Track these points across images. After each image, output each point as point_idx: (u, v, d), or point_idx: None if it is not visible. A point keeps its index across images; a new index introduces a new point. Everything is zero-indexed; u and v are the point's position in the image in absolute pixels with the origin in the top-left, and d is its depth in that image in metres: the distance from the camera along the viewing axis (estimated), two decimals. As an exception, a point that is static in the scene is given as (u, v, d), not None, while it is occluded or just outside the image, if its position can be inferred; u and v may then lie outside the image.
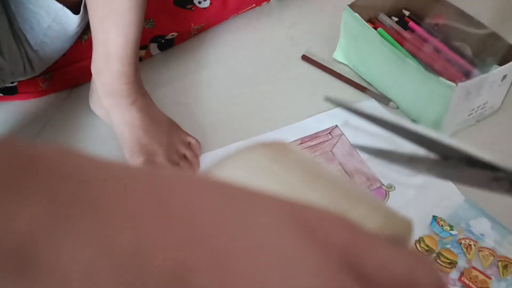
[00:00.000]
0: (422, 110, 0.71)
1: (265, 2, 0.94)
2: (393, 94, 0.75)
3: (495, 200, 0.61)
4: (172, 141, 0.66)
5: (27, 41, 0.67)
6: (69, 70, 0.77)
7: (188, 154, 0.66)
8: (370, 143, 0.66)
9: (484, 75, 0.65)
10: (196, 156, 0.67)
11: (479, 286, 0.53)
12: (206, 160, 0.68)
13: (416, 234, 0.58)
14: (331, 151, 0.69)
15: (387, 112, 0.74)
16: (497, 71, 0.66)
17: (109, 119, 0.67)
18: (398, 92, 0.74)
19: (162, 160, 0.63)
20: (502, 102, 0.74)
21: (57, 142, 0.72)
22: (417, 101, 0.71)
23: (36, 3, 0.63)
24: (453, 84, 0.63)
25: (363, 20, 0.74)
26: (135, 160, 0.62)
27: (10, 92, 0.76)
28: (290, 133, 0.71)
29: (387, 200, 0.62)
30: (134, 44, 0.63)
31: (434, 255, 0.56)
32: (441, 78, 0.64)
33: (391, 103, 0.75)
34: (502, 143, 0.70)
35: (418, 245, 0.57)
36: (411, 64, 0.68)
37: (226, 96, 0.78)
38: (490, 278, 0.54)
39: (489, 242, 0.57)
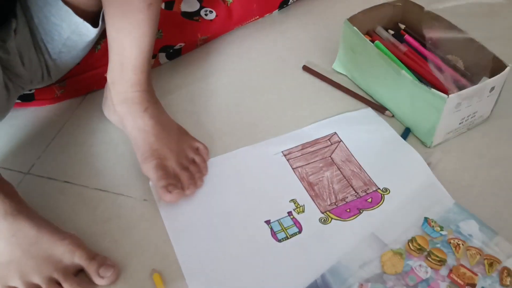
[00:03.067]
0: (416, 119, 0.75)
1: (267, 14, 0.99)
2: (389, 104, 0.80)
3: (483, 203, 0.66)
4: (181, 146, 0.70)
5: (47, 50, 0.72)
6: (82, 78, 0.82)
7: (197, 159, 0.71)
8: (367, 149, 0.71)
9: (474, 87, 0.69)
10: (204, 161, 0.71)
11: (466, 282, 0.58)
12: (213, 164, 0.72)
13: (409, 234, 0.62)
14: (330, 156, 0.74)
15: (383, 120, 0.79)
16: (485, 83, 0.70)
17: (123, 125, 0.72)
18: (394, 102, 0.79)
19: (172, 164, 0.67)
20: (491, 111, 0.78)
21: (72, 146, 0.76)
22: (412, 111, 0.75)
23: (58, 16, 0.68)
24: (445, 95, 0.68)
25: (361, 34, 0.79)
26: (147, 164, 0.67)
27: (27, 99, 0.80)
28: (291, 140, 0.76)
29: (382, 203, 0.67)
30: (147, 54, 0.68)
31: (425, 253, 0.60)
32: (433, 90, 0.69)
33: (387, 112, 0.80)
34: (492, 150, 0.75)
35: (410, 244, 0.61)
36: (406, 76, 0.73)
37: (231, 104, 0.83)
38: (476, 275, 0.58)
39: (476, 242, 0.61)
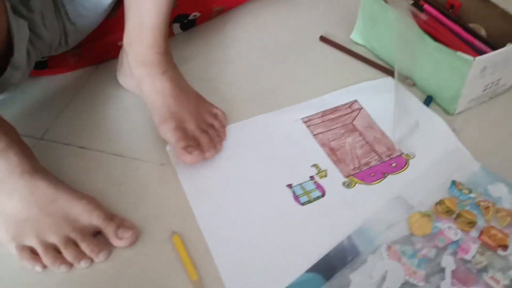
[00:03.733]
0: (439, 87, 0.74)
1: (283, -14, 0.97)
2: (411, 72, 0.78)
3: (509, 168, 0.64)
4: (200, 110, 0.69)
5: (66, 14, 0.70)
6: (97, 45, 0.80)
7: (216, 123, 0.69)
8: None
9: (499, 50, 0.68)
10: (223, 126, 0.70)
11: (497, 243, 0.56)
12: (232, 131, 0.70)
13: (436, 197, 0.61)
14: (351, 123, 0.72)
15: (404, 89, 0.77)
16: (511, 47, 0.69)
17: (139, 89, 0.70)
18: (415, 70, 0.77)
19: (191, 126, 0.66)
20: (514, 80, 0.77)
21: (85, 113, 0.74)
22: (435, 78, 0.74)
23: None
24: (471, 58, 0.66)
25: (382, 0, 0.77)
26: (166, 125, 0.65)
27: (40, 66, 0.78)
28: (311, 107, 0.74)
29: (407, 167, 0.65)
30: (166, 16, 0.66)
31: (454, 215, 0.59)
32: (459, 53, 0.67)
33: (408, 80, 0.78)
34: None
35: (438, 207, 0.59)
36: (430, 42, 0.71)
37: (248, 73, 0.81)
38: (508, 236, 0.56)
39: (506, 204, 0.60)
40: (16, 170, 0.56)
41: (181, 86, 0.69)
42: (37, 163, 0.60)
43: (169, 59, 0.69)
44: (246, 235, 0.58)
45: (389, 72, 0.80)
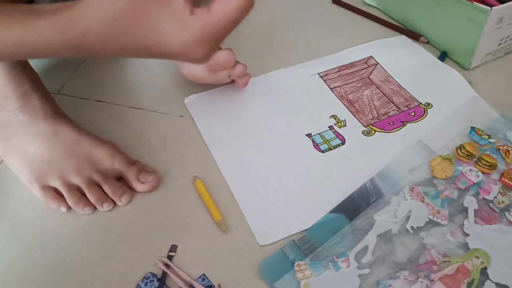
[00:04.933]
0: (454, 41, 0.74)
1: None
2: (425, 30, 0.78)
3: (528, 116, 0.65)
4: None
5: None
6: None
7: None
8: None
9: (516, 2, 0.68)
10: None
11: (519, 184, 0.56)
12: (249, 84, 0.70)
13: (457, 141, 0.61)
14: (368, 77, 0.72)
15: (418, 45, 0.77)
16: (527, -1, 0.69)
17: None
18: (430, 27, 0.77)
19: None
20: (528, 37, 0.77)
21: (88, 85, 0.74)
22: (449, 33, 0.74)
23: None
24: (488, 7, 0.66)
25: (396, -43, 0.77)
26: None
27: None
28: (327, 63, 0.74)
29: (426, 116, 0.65)
30: None
31: (475, 159, 0.59)
32: (476, 3, 0.67)
33: (421, 38, 0.78)
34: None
35: (459, 151, 0.60)
36: (445, -6, 0.71)
37: (261, 33, 0.81)
38: (529, 177, 0.57)
39: (526, 148, 0.60)
40: (40, 114, 0.56)
41: None
42: (60, 109, 0.60)
43: None
44: (268, 179, 0.58)
45: (402, 31, 0.81)
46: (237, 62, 0.64)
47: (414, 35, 0.79)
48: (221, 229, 0.53)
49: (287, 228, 0.53)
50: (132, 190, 0.57)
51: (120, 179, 0.58)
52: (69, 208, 0.55)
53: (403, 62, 0.74)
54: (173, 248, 0.52)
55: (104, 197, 0.55)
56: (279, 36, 0.80)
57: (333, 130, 0.64)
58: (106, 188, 0.55)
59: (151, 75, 0.73)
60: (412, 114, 0.66)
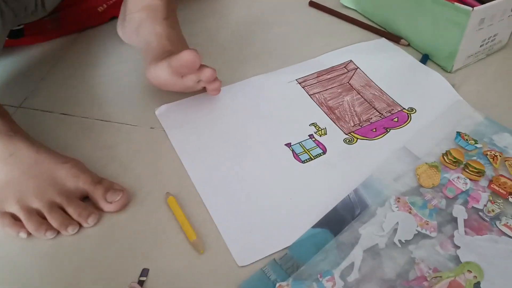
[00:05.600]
0: (436, 43, 0.71)
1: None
2: (405, 32, 0.76)
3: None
4: None
5: None
6: (75, 11, 0.75)
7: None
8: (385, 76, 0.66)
9: (498, 1, 0.66)
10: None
11: (508, 191, 0.54)
12: (226, 92, 0.67)
13: (442, 147, 0.58)
14: (348, 82, 0.69)
15: (399, 48, 0.75)
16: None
17: (136, 33, 0.65)
18: (411, 29, 0.75)
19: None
20: (509, 37, 0.75)
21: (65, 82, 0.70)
22: (431, 35, 0.71)
23: None
24: (470, 8, 0.64)
25: (373, -42, 0.75)
26: (157, 62, 0.59)
27: (16, 35, 0.74)
28: (305, 68, 0.71)
29: (410, 121, 0.62)
30: None
31: (462, 165, 0.56)
32: (457, 4, 0.65)
33: (402, 41, 0.76)
34: (510, 75, 0.71)
35: (445, 158, 0.57)
36: (425, -5, 0.69)
37: (239, 38, 0.78)
38: (519, 183, 0.54)
39: (514, 152, 0.58)
40: None
41: (180, 35, 0.65)
42: (16, 125, 0.55)
43: (172, 7, 0.66)
44: (246, 194, 0.54)
45: (382, 33, 0.78)
46: (205, 66, 0.60)
47: (394, 38, 0.77)
48: (197, 249, 0.50)
49: (267, 247, 0.49)
50: (100, 210, 0.53)
51: (86, 198, 0.54)
52: (30, 234, 0.50)
53: (384, 66, 0.72)
54: (144, 272, 0.48)
55: (68, 220, 0.51)
56: (257, 41, 0.77)
57: (313, 139, 0.61)
58: (70, 210, 0.51)
59: (120, 86, 0.69)
60: (395, 120, 0.63)
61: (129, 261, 0.49)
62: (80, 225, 0.51)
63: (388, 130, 0.62)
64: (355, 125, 0.63)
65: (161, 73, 0.59)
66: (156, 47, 0.62)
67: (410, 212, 0.52)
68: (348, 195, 0.54)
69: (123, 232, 0.51)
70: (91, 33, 0.77)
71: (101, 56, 0.73)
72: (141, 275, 0.48)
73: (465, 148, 0.58)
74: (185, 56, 0.55)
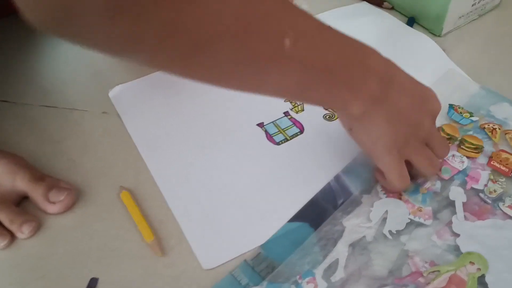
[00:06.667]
0: (423, 4, 0.64)
1: None
2: (387, -7, 0.68)
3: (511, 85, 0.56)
4: None
5: None
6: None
7: None
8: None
9: (491, -47, 0.58)
10: None
11: (510, 167, 0.47)
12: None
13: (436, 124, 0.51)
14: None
15: (381, 11, 0.67)
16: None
17: None
18: (393, -11, 0.67)
19: None
20: (503, -5, 0.68)
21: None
22: (416, -5, 0.64)
23: None
24: (460, -39, 0.56)
25: None
26: None
27: None
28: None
29: (397, 93, 0.55)
30: None
31: (457, 142, 0.50)
32: (445, -42, 0.58)
33: (385, 3, 0.69)
34: (506, 37, 0.64)
35: (438, 133, 0.50)
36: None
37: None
38: (522, 158, 0.48)
39: (514, 124, 0.51)
40: None
41: None
42: None
43: None
44: (213, 186, 0.47)
45: (362, -4, 0.70)
46: None
47: (376, 1, 0.69)
48: (155, 252, 0.42)
49: (237, 246, 0.43)
50: (41, 213, 0.45)
51: (26, 198, 0.46)
52: None
53: (365, 31, 0.64)
54: (93, 282, 0.41)
55: None
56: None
57: (289, 117, 0.54)
58: (1, 218, 0.43)
59: (69, 70, 0.61)
60: (381, 92, 0.56)
61: (75, 271, 0.42)
62: (13, 235, 0.44)
63: (373, 104, 0.54)
64: (335, 100, 0.55)
65: None
66: None
67: (400, 199, 0.45)
68: (329, 182, 0.47)
69: (68, 237, 0.44)
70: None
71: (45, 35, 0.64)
72: (88, 286, 0.40)
73: (460, 122, 0.51)
74: None
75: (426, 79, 0.56)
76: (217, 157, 0.49)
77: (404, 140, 0.41)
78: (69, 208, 0.46)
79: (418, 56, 0.60)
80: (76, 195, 0.46)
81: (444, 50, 0.60)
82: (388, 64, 0.41)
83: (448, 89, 0.55)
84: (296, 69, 0.34)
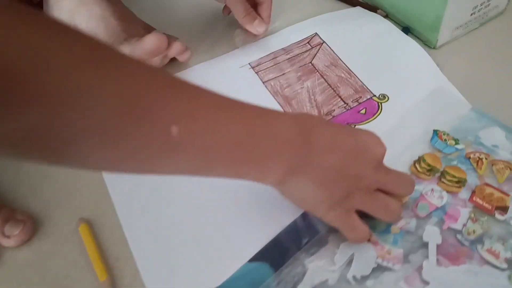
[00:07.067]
0: (417, 12, 0.59)
1: None
2: (381, 0, 0.64)
3: (506, 109, 0.51)
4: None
5: None
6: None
7: None
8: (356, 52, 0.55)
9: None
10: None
11: (495, 204, 0.43)
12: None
13: (414, 152, 0.48)
14: (310, 62, 0.58)
15: (375, 15, 0.63)
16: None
17: (74, 24, 0.55)
18: (388, -5, 0.62)
19: None
20: (508, 1, 0.62)
21: None
22: (412, 2, 0.59)
23: None
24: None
25: None
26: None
27: None
28: (259, 49, 0.60)
29: (380, 113, 0.52)
30: None
31: (438, 174, 0.46)
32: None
33: (379, 11, 0.64)
34: (508, 48, 0.59)
35: (418, 166, 0.46)
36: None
37: (185, 17, 0.66)
38: (508, 195, 0.44)
39: (504, 153, 0.47)
40: None
41: (125, 11, 0.57)
42: None
43: None
44: (169, 220, 0.45)
45: (355, 3, 0.66)
46: (171, 40, 0.52)
47: (369, 8, 0.65)
48: (107, 293, 0.41)
49: (192, 287, 0.41)
50: None
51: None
52: None
53: (356, 37, 0.60)
54: (41, 327, 0.40)
55: None
56: (199, 19, 0.65)
57: (262, 141, 0.50)
58: None
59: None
60: (363, 111, 0.52)
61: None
62: None
63: (353, 126, 0.51)
64: (313, 121, 0.52)
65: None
66: (105, 34, 0.52)
67: (369, 240, 0.42)
68: (295, 219, 0.44)
69: (25, 273, 0.43)
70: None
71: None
72: (37, 331, 0.39)
73: (443, 151, 0.47)
74: (149, 43, 0.49)
75: (415, 95, 0.52)
76: (179, 186, 0.47)
77: (344, 195, 0.38)
78: (24, 242, 0.44)
79: (410, 68, 0.56)
80: (33, 227, 0.45)
81: (438, 64, 0.56)
82: (304, 126, 0.36)
83: (435, 109, 0.51)
84: (189, 156, 0.31)
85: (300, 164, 0.36)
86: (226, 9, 0.61)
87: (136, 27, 0.56)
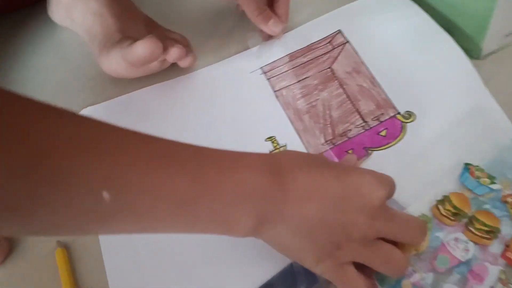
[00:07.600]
0: (456, 17, 0.50)
1: None
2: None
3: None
4: (152, 32, 0.50)
5: None
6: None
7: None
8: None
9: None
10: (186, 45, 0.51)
11: (532, 265, 0.36)
12: (163, 92, 0.51)
13: (440, 190, 0.41)
14: (330, 67, 0.51)
15: (412, 4, 0.54)
16: None
17: (71, 20, 0.52)
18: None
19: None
20: None
21: None
22: (451, 3, 0.50)
23: None
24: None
25: None
26: (106, 53, 0.47)
27: None
28: (274, 50, 0.53)
29: (403, 136, 0.44)
30: None
31: (466, 219, 0.39)
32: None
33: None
34: None
35: (441, 207, 0.40)
36: None
37: (192, 15, 0.60)
38: (549, 255, 0.37)
39: (549, 200, 0.39)
40: None
41: (125, 6, 0.51)
42: None
43: None
44: (157, 257, 0.41)
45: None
46: (168, 45, 0.47)
47: None
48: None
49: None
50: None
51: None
52: None
53: (386, 35, 0.52)
54: None
55: None
56: (207, 15, 0.59)
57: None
58: None
59: (36, 88, 0.55)
60: (383, 133, 0.45)
61: None
62: None
63: (370, 152, 0.44)
64: (326, 141, 0.46)
65: (117, 66, 0.48)
66: (100, 31, 0.49)
67: (373, 297, 0.36)
68: (291, 263, 0.38)
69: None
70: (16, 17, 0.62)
71: (22, 44, 0.58)
72: None
73: (474, 191, 0.40)
74: (140, 50, 0.44)
75: (448, 115, 0.44)
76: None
77: (333, 246, 0.32)
78: (1, 262, 0.41)
79: (446, 79, 0.47)
80: (9, 248, 0.42)
81: (482, 77, 0.48)
82: (278, 171, 0.31)
83: (471, 136, 0.43)
84: (131, 218, 0.27)
85: (273, 213, 0.31)
86: (239, 7, 0.55)
87: (135, 24, 0.51)
